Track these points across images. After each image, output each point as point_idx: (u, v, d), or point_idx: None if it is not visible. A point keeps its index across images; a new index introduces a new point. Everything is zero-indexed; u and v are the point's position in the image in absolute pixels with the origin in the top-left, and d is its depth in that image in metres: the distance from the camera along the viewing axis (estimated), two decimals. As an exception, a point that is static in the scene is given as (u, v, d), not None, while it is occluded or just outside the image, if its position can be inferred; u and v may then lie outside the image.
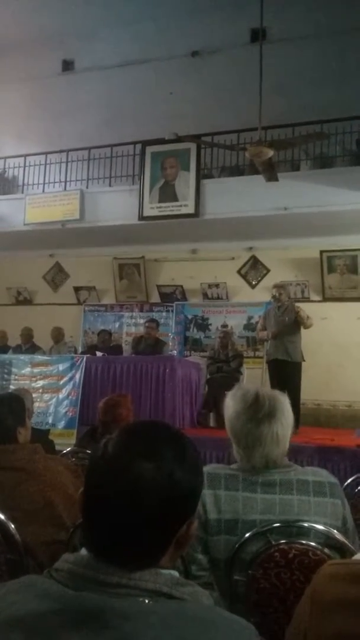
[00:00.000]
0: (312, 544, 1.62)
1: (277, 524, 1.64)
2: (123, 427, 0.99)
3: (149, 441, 0.92)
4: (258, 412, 1.73)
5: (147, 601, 0.83)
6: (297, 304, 6.95)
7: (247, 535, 1.64)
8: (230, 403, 1.80)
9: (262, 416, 1.72)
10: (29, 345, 8.72)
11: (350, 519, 1.79)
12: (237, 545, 1.65)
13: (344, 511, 1.76)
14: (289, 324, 6.65)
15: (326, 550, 1.62)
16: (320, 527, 1.65)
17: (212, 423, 7.16)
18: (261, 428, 1.71)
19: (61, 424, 6.62)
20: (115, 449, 0.91)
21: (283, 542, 1.62)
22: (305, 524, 1.65)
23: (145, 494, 0.86)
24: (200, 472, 0.97)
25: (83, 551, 0.90)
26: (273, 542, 1.62)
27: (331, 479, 1.79)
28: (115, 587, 0.84)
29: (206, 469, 1.68)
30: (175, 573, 0.90)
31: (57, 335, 8.85)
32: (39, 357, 7.42)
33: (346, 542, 1.65)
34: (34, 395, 5.52)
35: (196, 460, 0.95)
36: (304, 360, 6.80)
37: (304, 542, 1.62)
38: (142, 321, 9.25)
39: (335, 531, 1.66)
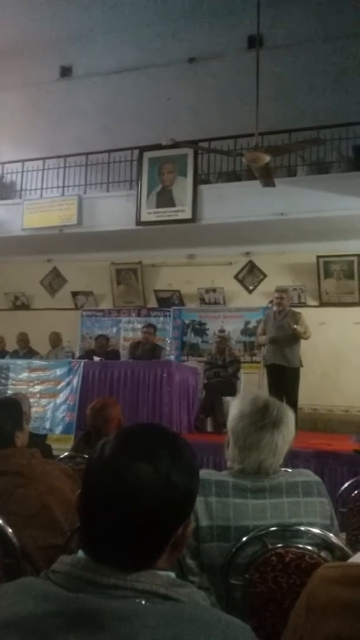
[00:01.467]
0: (309, 547, 1.62)
1: (274, 528, 1.65)
2: (120, 430, 1.00)
3: (146, 443, 0.93)
4: (264, 418, 1.74)
5: (143, 602, 0.83)
6: (298, 311, 6.96)
7: (244, 539, 1.64)
8: (238, 404, 1.82)
9: (267, 423, 1.74)
10: (26, 350, 8.72)
11: (334, 516, 1.81)
12: (234, 550, 1.64)
13: (331, 509, 1.78)
14: (288, 329, 6.65)
15: (322, 553, 1.62)
16: (316, 530, 1.66)
17: (209, 428, 7.16)
18: (263, 434, 1.72)
19: (59, 429, 6.61)
20: (112, 451, 0.91)
21: (280, 546, 1.62)
22: (302, 528, 1.66)
23: (142, 495, 0.87)
24: (197, 474, 0.97)
25: (80, 553, 0.90)
26: (270, 546, 1.62)
27: (316, 478, 1.82)
28: (111, 589, 0.84)
29: None
30: (172, 574, 0.91)
31: (55, 340, 8.85)
32: (36, 362, 7.41)
33: (341, 544, 1.66)
34: (31, 400, 5.51)
35: (193, 462, 0.96)
36: (302, 366, 6.81)
37: (300, 545, 1.63)
38: (139, 326, 9.25)
39: (331, 535, 1.67)
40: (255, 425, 1.73)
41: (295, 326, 6.56)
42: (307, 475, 1.81)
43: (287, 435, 1.76)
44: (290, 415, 1.80)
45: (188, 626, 0.81)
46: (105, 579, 0.85)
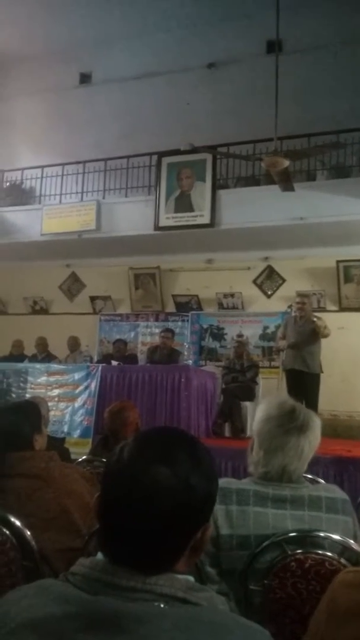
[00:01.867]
0: (329, 554, 1.60)
1: (293, 534, 1.63)
2: (138, 433, 1.00)
3: (165, 446, 0.93)
4: (291, 422, 1.73)
5: (162, 605, 0.83)
6: (316, 314, 6.92)
7: (263, 544, 1.63)
8: (264, 407, 1.81)
9: (294, 427, 1.72)
10: (44, 354, 8.78)
11: (359, 536, 1.76)
12: (253, 555, 1.63)
13: (354, 529, 1.75)
14: (308, 334, 6.61)
15: (342, 560, 1.60)
16: (336, 537, 1.63)
17: (227, 433, 7.13)
18: (289, 437, 1.71)
19: (76, 433, 6.63)
20: (131, 454, 0.91)
21: (299, 552, 1.61)
22: (322, 534, 1.64)
23: (161, 498, 0.87)
24: (216, 478, 0.97)
25: (99, 555, 0.90)
26: (289, 552, 1.61)
27: (343, 495, 1.78)
28: (130, 592, 0.84)
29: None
30: (191, 578, 0.91)
31: (73, 344, 8.89)
32: (54, 366, 7.44)
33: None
34: (49, 403, 5.53)
35: (211, 466, 0.96)
36: (322, 372, 6.75)
37: (320, 552, 1.61)
38: (157, 331, 9.26)
39: (351, 541, 1.65)
40: (282, 428, 1.72)
41: (315, 319, 6.54)
42: (333, 491, 1.77)
43: (313, 441, 1.74)
44: (316, 421, 1.78)
45: (206, 630, 0.81)
46: (124, 582, 0.85)
